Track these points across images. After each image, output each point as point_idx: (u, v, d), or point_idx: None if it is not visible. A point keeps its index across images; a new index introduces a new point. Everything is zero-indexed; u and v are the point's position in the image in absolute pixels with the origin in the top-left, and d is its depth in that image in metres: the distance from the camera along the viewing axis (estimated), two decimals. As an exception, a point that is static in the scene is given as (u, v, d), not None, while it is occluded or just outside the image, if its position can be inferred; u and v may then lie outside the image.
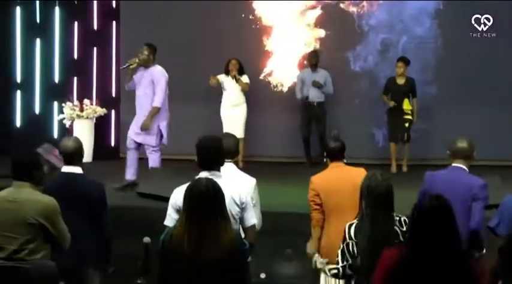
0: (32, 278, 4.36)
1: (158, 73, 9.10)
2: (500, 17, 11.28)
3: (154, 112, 9.06)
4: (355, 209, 4.89)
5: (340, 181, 5.65)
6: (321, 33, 11.68)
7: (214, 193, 4.15)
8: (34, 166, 5.10)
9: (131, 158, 9.27)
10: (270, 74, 11.83)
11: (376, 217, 4.52)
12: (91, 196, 5.44)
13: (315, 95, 11.08)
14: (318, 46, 11.63)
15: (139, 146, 9.27)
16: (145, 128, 9.07)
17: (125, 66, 9.25)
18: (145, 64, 9.10)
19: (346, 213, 5.26)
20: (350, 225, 4.74)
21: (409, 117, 10.75)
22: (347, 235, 4.73)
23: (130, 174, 9.26)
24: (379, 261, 3.98)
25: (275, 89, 11.85)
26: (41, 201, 5.02)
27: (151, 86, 9.08)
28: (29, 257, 4.95)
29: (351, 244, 4.71)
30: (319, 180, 5.78)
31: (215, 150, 4.86)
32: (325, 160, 5.89)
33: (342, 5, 11.69)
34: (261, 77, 11.78)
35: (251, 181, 5.35)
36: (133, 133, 9.23)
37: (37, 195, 5.05)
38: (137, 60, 9.06)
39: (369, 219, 4.55)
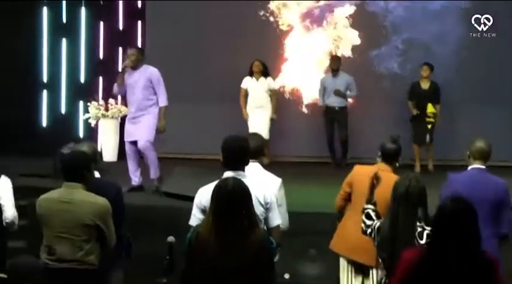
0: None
1: (156, 72, 8.98)
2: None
3: (164, 111, 8.99)
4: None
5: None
6: (345, 33, 11.65)
7: (242, 193, 4.16)
8: (86, 167, 5.08)
9: (136, 161, 9.07)
10: (293, 74, 11.84)
11: (395, 217, 4.49)
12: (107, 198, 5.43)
13: (336, 100, 11.12)
14: (339, 47, 11.61)
15: (137, 148, 9.06)
16: (162, 131, 8.98)
17: (123, 69, 9.00)
18: (136, 65, 8.96)
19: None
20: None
21: (432, 120, 10.87)
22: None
23: (154, 173, 9.10)
24: (399, 262, 3.98)
25: (299, 90, 11.85)
26: (97, 202, 5.01)
27: (149, 86, 8.97)
28: (85, 258, 4.96)
29: (368, 231, 4.75)
30: (358, 170, 5.82)
31: (240, 149, 4.84)
32: (378, 159, 5.81)
33: (365, 5, 11.66)
34: (285, 77, 11.79)
35: (276, 181, 5.32)
36: (129, 136, 9.05)
37: (91, 196, 5.03)
38: (130, 63, 8.96)
39: (390, 218, 4.54)
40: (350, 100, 11.28)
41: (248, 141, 4.98)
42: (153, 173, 9.06)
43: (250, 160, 5.08)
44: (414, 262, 3.83)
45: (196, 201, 4.76)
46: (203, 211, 4.61)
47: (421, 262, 3.81)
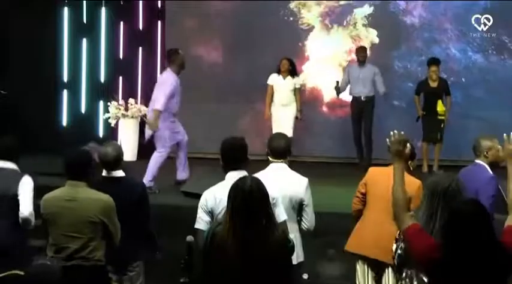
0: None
1: None
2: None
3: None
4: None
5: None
6: (365, 32, 11.63)
7: (259, 192, 4.17)
8: (88, 164, 5.13)
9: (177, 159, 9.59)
10: (314, 73, 11.83)
11: (435, 212, 4.32)
12: (133, 197, 5.47)
13: (362, 90, 10.93)
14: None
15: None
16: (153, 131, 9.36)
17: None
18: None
19: (382, 215, 5.39)
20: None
21: (443, 118, 10.67)
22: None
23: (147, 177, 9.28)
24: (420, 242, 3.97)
25: (324, 88, 11.82)
26: (102, 199, 5.06)
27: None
28: (91, 255, 5.02)
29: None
30: (373, 171, 5.88)
31: (240, 148, 4.89)
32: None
33: (387, 4, 11.63)
34: (306, 76, 11.78)
35: (303, 180, 5.33)
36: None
37: (95, 193, 5.09)
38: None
39: (428, 214, 4.35)
40: (381, 92, 11.02)
41: (245, 140, 5.00)
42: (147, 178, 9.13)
43: (277, 160, 5.11)
44: (434, 254, 3.85)
45: (201, 203, 4.75)
46: (209, 213, 4.66)
47: (439, 257, 3.83)
